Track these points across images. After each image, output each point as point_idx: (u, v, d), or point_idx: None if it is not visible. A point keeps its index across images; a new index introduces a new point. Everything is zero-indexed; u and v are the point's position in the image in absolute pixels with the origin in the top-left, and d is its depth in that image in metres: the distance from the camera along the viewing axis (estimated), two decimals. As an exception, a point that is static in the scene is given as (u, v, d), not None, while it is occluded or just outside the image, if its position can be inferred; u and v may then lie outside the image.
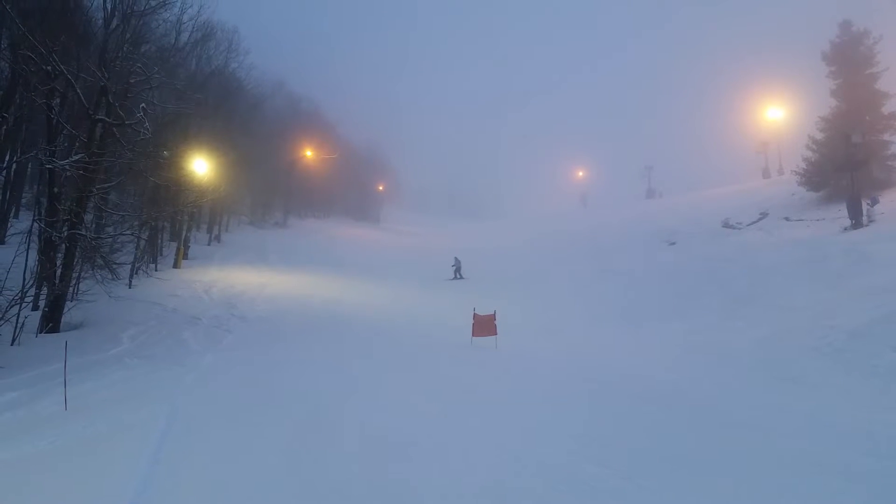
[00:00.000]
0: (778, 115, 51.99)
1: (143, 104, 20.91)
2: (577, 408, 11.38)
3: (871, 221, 24.32)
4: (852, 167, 27.27)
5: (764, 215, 32.82)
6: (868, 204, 25.13)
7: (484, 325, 18.85)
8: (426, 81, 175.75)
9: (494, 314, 19.07)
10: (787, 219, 30.47)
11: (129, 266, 25.84)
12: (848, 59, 31.70)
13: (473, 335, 18.66)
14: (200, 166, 31.36)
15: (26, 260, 19.35)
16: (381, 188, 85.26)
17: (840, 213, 26.25)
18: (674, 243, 33.70)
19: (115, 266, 22.34)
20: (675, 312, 21.82)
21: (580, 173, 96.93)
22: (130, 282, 25.68)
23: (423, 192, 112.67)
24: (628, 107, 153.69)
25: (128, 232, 23.64)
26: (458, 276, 35.30)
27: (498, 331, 18.70)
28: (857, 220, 24.59)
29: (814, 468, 7.90)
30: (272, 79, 60.79)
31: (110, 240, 22.54)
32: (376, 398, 11.71)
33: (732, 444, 9.01)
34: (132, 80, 21.97)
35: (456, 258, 36.04)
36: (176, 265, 31.82)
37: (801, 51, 42.42)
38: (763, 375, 14.00)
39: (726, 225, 33.34)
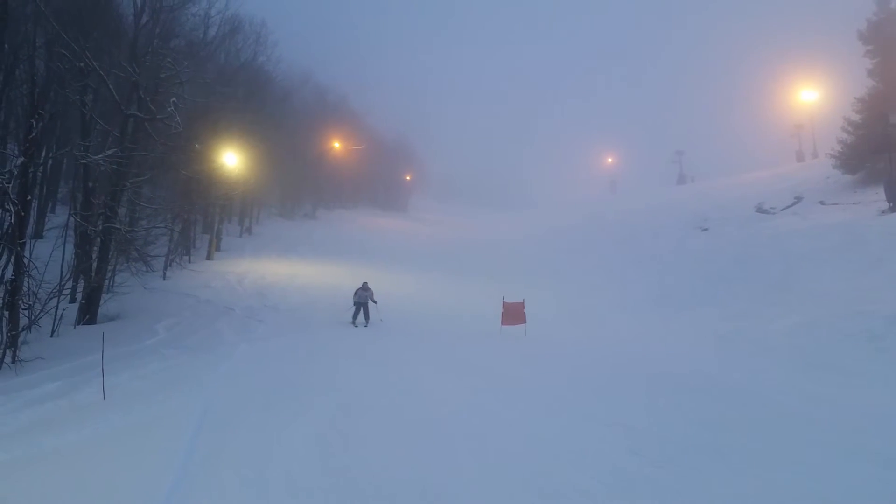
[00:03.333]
0: (812, 96, 50.90)
1: (173, 98, 21.15)
2: (610, 397, 11.33)
3: (909, 204, 23.76)
4: (890, 148, 26.65)
5: (798, 199, 32.25)
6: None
7: (513, 314, 18.84)
8: (454, 70, 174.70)
9: (523, 302, 19.04)
10: (822, 203, 29.91)
11: (163, 258, 26.27)
12: (886, 36, 30.88)
13: (503, 324, 18.66)
14: (231, 159, 31.64)
15: (63, 253, 19.75)
16: (408, 178, 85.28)
17: (877, 196, 25.69)
18: (706, 229, 33.30)
19: (149, 258, 22.72)
20: (708, 299, 21.61)
21: (609, 159, 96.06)
22: (165, 273, 26.10)
23: (452, 181, 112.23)
24: (659, 91, 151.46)
25: (161, 225, 24.02)
26: (362, 320, 20.14)
27: (527, 319, 18.68)
28: (895, 203, 24.04)
29: (852, 456, 7.80)
30: (299, 71, 61.03)
31: (144, 233, 22.92)
32: (408, 387, 11.77)
33: (768, 433, 8.89)
34: (162, 75, 22.24)
35: (364, 285, 20.61)
36: (209, 257, 32.25)
37: (836, 30, 41.43)
38: (798, 363, 13.80)
39: (760, 210, 32.83)
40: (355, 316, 19.97)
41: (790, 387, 11.94)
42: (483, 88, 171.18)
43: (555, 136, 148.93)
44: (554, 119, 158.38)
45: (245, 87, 40.94)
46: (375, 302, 20.23)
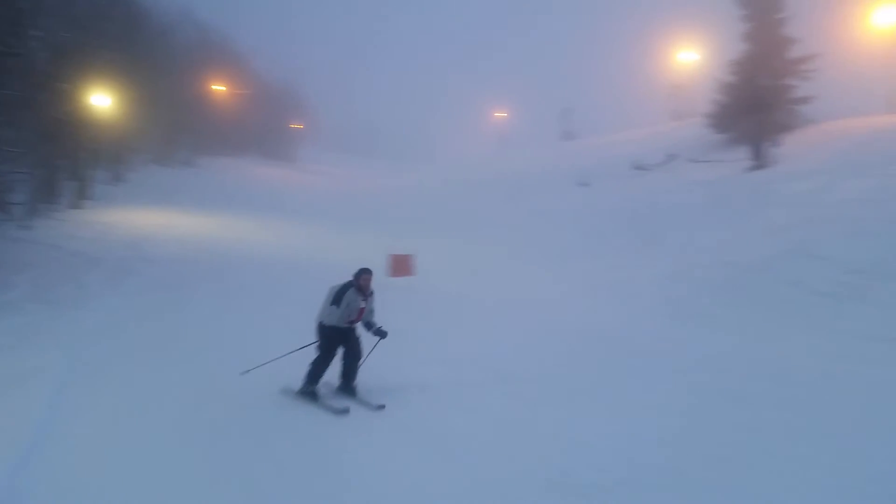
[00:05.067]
0: (690, 58, 53.08)
1: (36, 32, 19.46)
2: (492, 342, 11.73)
3: (772, 163, 25.47)
4: (758, 110, 28.36)
5: (672, 157, 33.86)
6: (771, 146, 26.29)
7: (401, 266, 18.87)
8: (351, 20, 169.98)
9: (411, 255, 19.09)
10: (694, 160, 31.52)
11: (26, 206, 24.42)
12: (759, 2, 32.44)
13: (390, 275, 18.64)
14: (102, 101, 29.67)
15: None
16: (299, 127, 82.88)
17: (745, 154, 27.33)
18: (588, 185, 34.43)
19: (9, 206, 21.09)
20: (588, 252, 22.40)
21: (499, 114, 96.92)
22: (27, 223, 24.30)
23: (346, 133, 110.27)
24: (548, 45, 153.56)
25: (24, 170, 22.28)
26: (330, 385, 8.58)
27: (417, 271, 18.76)
28: (760, 162, 25.72)
29: (704, 392, 8.58)
30: (179, 6, 57.51)
31: (4, 178, 21.23)
32: (292, 341, 11.59)
33: (634, 376, 9.53)
34: (22, 6, 20.37)
35: (362, 276, 8.69)
36: (77, 205, 30.29)
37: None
38: (667, 311, 14.63)
39: (636, 167, 34.26)
40: (318, 373, 8.29)
41: (657, 332, 12.74)
42: (380, 41, 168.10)
43: (448, 90, 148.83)
44: (449, 74, 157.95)
45: (119, 24, 38.16)
46: (384, 333, 8.66)
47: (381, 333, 8.59)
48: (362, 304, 8.48)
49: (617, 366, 10.14)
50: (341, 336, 8.32)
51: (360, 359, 8.49)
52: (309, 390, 8.12)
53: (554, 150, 54.84)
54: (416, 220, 32.98)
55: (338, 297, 8.25)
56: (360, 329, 8.63)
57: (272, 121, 72.99)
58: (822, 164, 22.68)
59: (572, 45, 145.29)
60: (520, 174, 43.28)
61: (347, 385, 8.41)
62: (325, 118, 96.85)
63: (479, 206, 36.20)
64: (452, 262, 22.59)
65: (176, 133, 52.17)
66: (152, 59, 42.10)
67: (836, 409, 7.82)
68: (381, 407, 7.84)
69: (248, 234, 27.07)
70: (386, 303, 15.71)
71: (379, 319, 8.75)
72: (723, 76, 34.18)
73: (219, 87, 58.64)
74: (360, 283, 8.51)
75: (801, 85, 31.43)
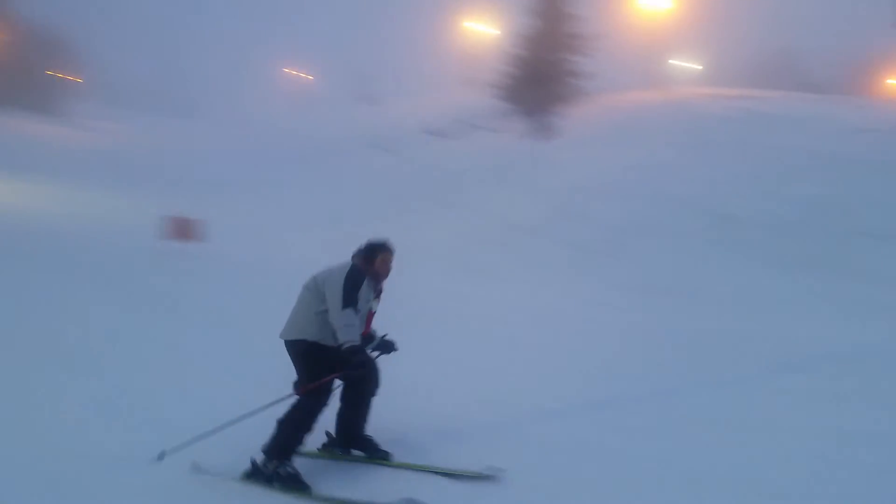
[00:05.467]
0: (483, 28, 55.13)
1: None
2: (278, 305, 11.47)
3: (553, 132, 27.37)
4: (541, 82, 30.22)
5: (463, 124, 35.21)
6: (552, 117, 28.25)
7: (180, 228, 17.65)
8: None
9: (194, 219, 18.01)
10: (483, 128, 33.03)
11: None
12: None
13: (167, 238, 17.27)
14: None
15: None
16: (72, 78, 74.78)
17: (530, 124, 29.09)
18: (385, 149, 34.76)
19: None
20: (384, 215, 22.64)
21: (295, 73, 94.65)
22: None
23: (133, 88, 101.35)
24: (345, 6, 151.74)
25: None
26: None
27: (203, 237, 17.74)
28: (542, 131, 27.52)
29: (480, 335, 9.57)
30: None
31: None
32: (65, 312, 10.45)
33: (423, 323, 9.93)
34: None
35: (360, 253, 5.40)
36: None
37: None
38: (458, 269, 15.38)
39: (431, 132, 35.20)
40: (301, 437, 4.59)
41: (445, 288, 13.35)
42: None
43: (245, 48, 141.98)
44: (246, 32, 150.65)
45: None
46: (390, 345, 5.47)
47: (386, 346, 5.35)
48: (375, 306, 5.23)
49: (405, 318, 10.42)
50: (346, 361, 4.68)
51: (374, 392, 5.14)
52: (284, 471, 4.40)
53: (352, 112, 54.64)
54: (207, 182, 31.35)
55: (351, 292, 4.77)
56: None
57: (39, 72, 65.22)
58: (595, 134, 24.82)
59: (369, 7, 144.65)
60: (315, 136, 42.59)
61: (355, 437, 5.00)
62: (110, 73, 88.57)
63: (275, 169, 35.22)
64: (239, 229, 21.75)
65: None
66: None
67: (597, 349, 8.68)
68: (499, 472, 4.53)
69: (8, 199, 24.08)
70: (164, 270, 14.87)
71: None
72: (511, 49, 35.84)
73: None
74: (377, 269, 5.15)
75: (580, 60, 33.84)
